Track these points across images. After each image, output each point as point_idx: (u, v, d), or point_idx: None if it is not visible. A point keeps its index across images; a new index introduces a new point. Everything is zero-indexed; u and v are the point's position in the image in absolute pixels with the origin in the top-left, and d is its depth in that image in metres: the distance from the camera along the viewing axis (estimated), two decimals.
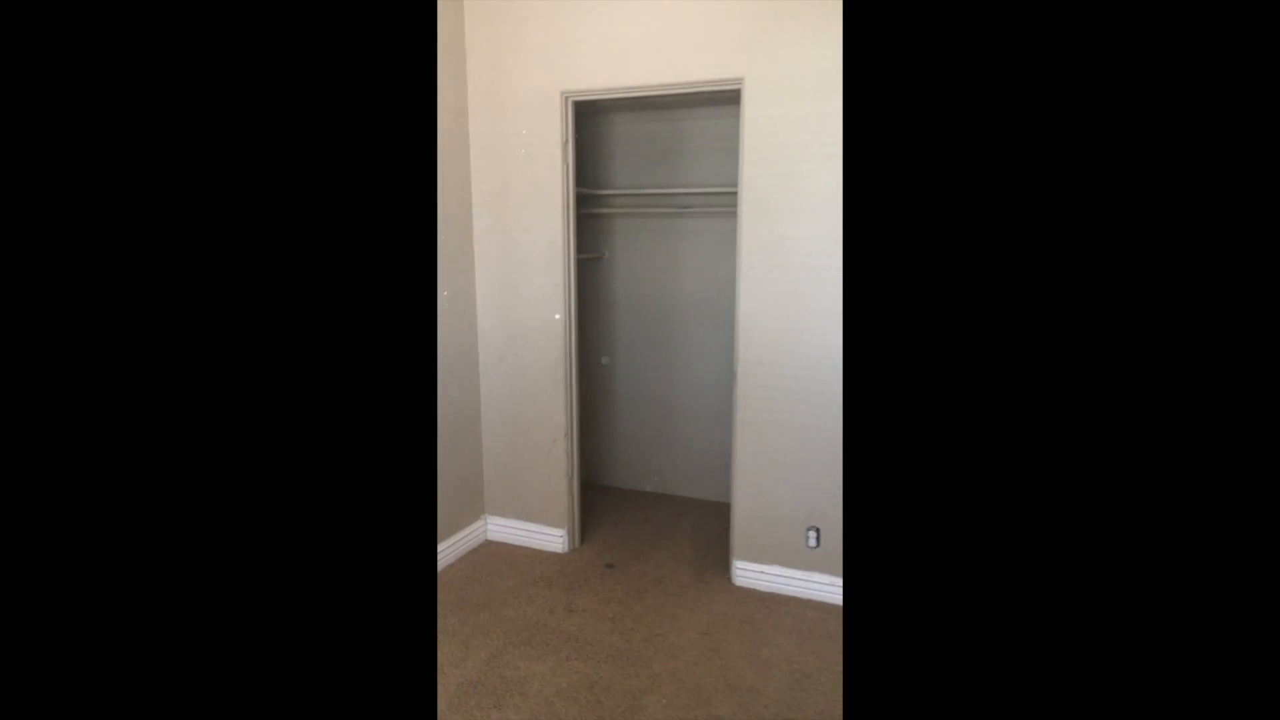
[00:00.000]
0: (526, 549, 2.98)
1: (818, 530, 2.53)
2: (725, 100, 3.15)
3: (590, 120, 3.45)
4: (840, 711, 1.96)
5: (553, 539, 2.95)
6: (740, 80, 2.43)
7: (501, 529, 3.04)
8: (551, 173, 2.71)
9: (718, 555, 2.91)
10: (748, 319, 2.52)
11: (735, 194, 3.21)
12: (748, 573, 2.65)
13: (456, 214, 2.77)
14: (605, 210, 3.50)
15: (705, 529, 3.19)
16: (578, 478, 2.95)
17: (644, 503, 3.52)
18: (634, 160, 3.43)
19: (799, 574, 2.58)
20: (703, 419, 3.50)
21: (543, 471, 2.93)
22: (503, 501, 3.03)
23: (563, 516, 2.93)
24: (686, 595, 2.59)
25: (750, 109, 2.43)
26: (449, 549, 2.83)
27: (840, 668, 2.14)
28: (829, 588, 2.54)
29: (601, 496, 3.59)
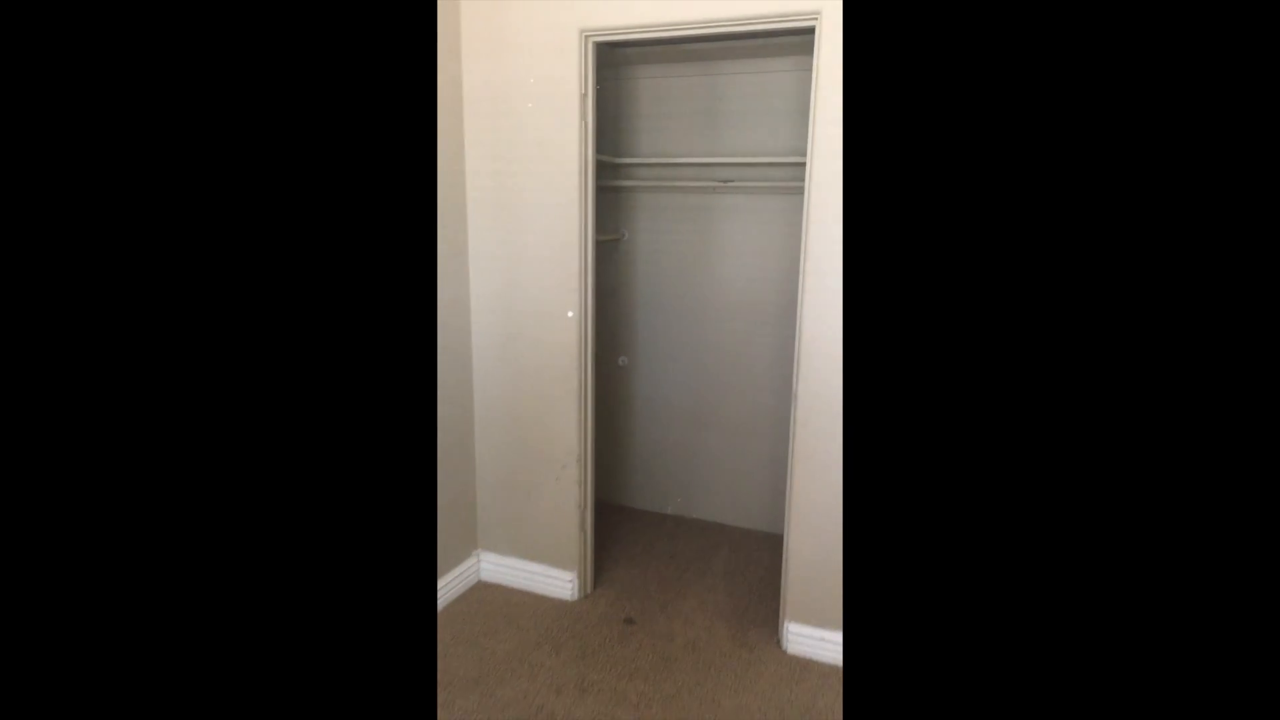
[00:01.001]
0: (528, 594, 2.45)
1: None
2: (784, 50, 2.57)
3: (610, 74, 2.87)
4: None
5: (560, 584, 2.43)
6: (815, 15, 1.86)
7: (498, 568, 2.52)
8: (566, 133, 2.14)
9: (761, 608, 2.39)
10: (816, 325, 1.97)
11: (787, 166, 2.65)
12: (804, 639, 2.13)
13: (446, 181, 2.21)
14: (626, 183, 2.93)
15: (742, 567, 2.67)
16: (592, 511, 2.42)
17: (666, 530, 2.99)
18: (663, 123, 2.86)
19: None
20: (737, 432, 2.97)
21: (549, 502, 2.40)
22: (500, 536, 2.51)
23: (572, 557, 2.41)
24: (728, 668, 2.08)
25: (827, 52, 1.86)
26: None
27: None
28: None
29: (615, 520, 3.06)
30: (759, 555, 2.77)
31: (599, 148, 2.96)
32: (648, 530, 2.99)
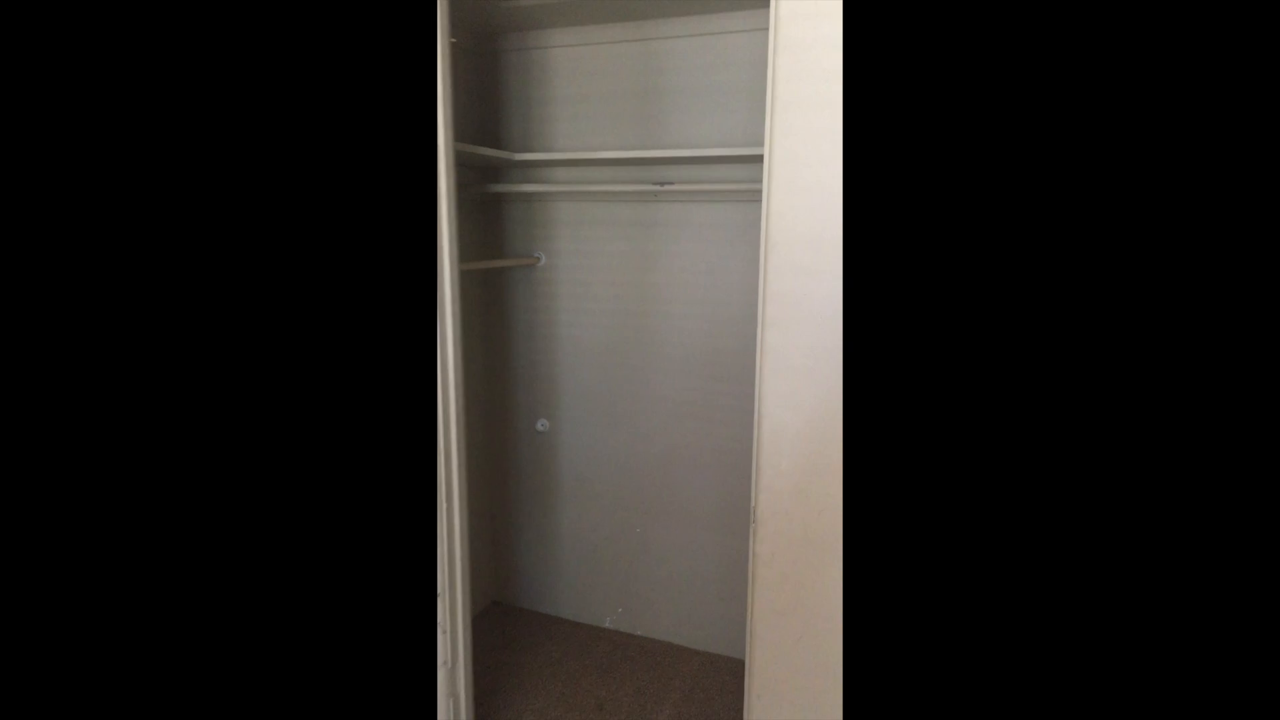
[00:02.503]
0: None
1: None
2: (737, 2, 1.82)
3: (515, 40, 2.13)
4: None
5: None
6: None
7: None
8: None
9: None
10: (781, 412, 1.21)
11: (748, 161, 1.90)
12: None
13: None
14: (539, 188, 2.18)
15: None
16: (467, 669, 1.65)
17: (600, 657, 2.22)
18: (585, 108, 2.11)
19: None
20: (693, 523, 2.21)
21: None
22: None
23: None
24: None
25: (787, 1, 1.12)
26: None
27: None
28: None
29: (534, 637, 2.29)
30: (719, 698, 2.00)
31: (499, 140, 2.22)
32: (574, 656, 2.21)
